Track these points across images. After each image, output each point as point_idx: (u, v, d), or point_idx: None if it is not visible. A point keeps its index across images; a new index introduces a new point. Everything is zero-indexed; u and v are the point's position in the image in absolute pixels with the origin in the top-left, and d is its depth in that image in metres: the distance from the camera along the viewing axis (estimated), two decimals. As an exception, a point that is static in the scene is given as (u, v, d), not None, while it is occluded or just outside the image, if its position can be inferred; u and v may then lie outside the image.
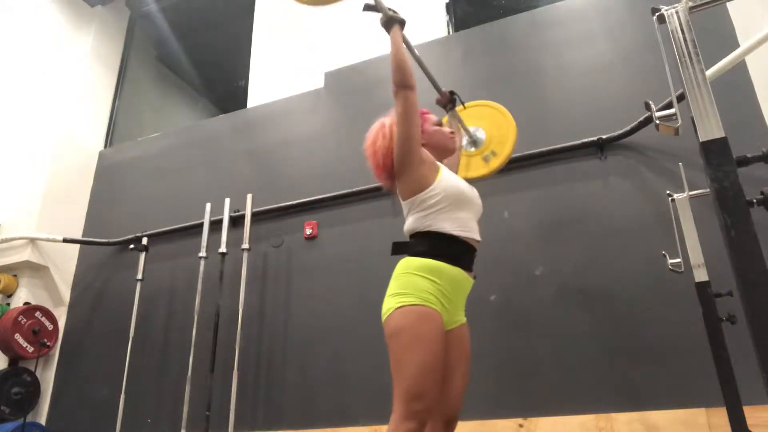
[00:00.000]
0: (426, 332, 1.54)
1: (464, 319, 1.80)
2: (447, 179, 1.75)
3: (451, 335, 1.71)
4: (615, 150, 3.02)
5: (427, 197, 1.70)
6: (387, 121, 1.84)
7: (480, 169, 2.43)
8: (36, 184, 4.47)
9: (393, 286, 1.66)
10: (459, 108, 2.34)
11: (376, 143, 1.81)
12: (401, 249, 1.74)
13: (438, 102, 2.25)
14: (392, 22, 1.77)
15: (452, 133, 1.97)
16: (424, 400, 1.48)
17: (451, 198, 1.72)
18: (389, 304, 1.62)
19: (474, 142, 2.46)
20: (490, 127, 2.45)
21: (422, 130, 1.81)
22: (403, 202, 1.78)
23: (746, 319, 1.15)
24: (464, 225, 1.73)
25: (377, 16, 1.82)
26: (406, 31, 1.85)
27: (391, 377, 1.56)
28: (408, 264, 1.67)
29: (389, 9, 1.79)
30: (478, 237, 1.78)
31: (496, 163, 2.40)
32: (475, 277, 1.78)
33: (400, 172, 1.74)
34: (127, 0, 5.65)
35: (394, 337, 1.57)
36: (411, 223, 1.75)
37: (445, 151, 1.94)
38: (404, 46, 1.79)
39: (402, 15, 1.81)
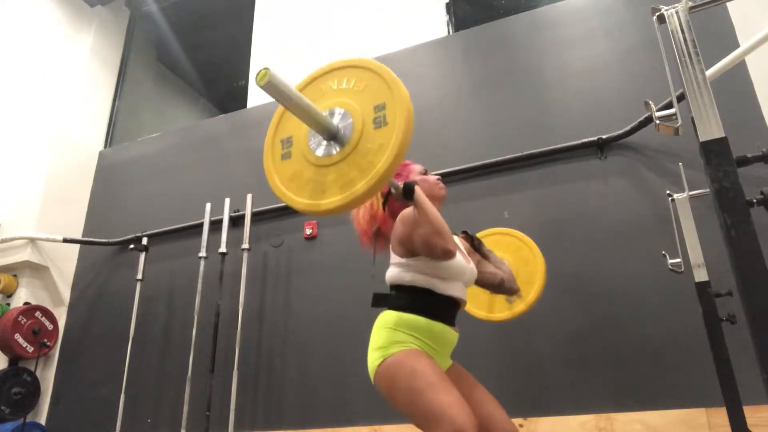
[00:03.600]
0: (419, 363, 1.51)
1: (451, 362, 1.77)
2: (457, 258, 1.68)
3: (450, 372, 1.69)
4: (615, 150, 3.02)
5: (422, 263, 1.65)
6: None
7: (503, 312, 2.23)
8: (36, 184, 4.47)
9: (374, 340, 1.64)
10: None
11: (358, 214, 1.78)
12: (381, 302, 1.70)
13: None
14: (411, 187, 1.59)
15: (438, 178, 1.87)
16: (457, 416, 1.39)
17: (444, 271, 1.67)
18: (373, 361, 1.59)
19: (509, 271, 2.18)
20: (516, 261, 2.22)
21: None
22: (393, 253, 1.73)
23: (746, 319, 1.15)
24: (451, 288, 1.69)
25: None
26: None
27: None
28: (387, 319, 1.64)
29: (400, 183, 1.63)
30: (465, 298, 1.75)
31: (520, 307, 2.20)
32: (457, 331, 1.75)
33: (397, 246, 1.69)
34: (127, 0, 5.65)
35: (390, 390, 1.54)
36: (395, 273, 1.70)
37: (434, 199, 1.79)
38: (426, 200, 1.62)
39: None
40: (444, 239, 1.53)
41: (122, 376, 3.58)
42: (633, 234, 2.82)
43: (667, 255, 2.34)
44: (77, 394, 4.02)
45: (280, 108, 1.49)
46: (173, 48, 5.92)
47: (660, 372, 2.56)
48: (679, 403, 2.48)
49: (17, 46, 4.89)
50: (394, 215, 1.76)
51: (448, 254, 1.55)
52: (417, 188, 1.60)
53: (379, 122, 1.32)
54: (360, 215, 1.78)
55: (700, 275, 2.18)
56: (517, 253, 2.25)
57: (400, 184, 1.60)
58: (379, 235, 1.77)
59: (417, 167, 1.87)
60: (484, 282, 1.96)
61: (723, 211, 1.20)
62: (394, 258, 1.72)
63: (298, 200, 1.38)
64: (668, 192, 2.40)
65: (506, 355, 2.87)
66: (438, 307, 1.66)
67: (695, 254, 2.21)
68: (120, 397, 3.54)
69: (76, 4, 5.22)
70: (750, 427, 1.93)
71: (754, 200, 1.25)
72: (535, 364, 2.80)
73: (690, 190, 2.32)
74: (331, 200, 1.31)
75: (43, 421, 4.01)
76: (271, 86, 1.24)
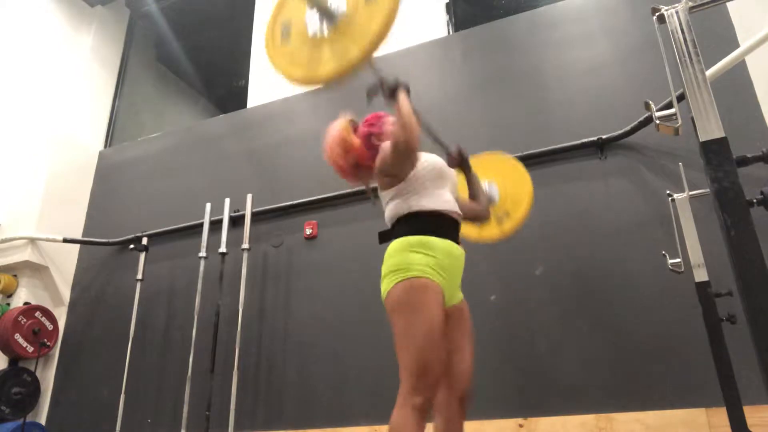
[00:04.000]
0: (426, 304, 1.57)
1: (462, 296, 1.82)
2: (427, 160, 1.81)
3: (454, 311, 1.74)
4: (615, 150, 3.02)
5: (409, 181, 1.76)
6: (333, 128, 1.86)
7: (493, 230, 2.33)
8: (36, 184, 4.47)
9: (387, 266, 1.68)
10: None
11: (333, 152, 1.83)
12: (388, 236, 1.77)
13: (449, 164, 2.04)
14: (399, 87, 1.74)
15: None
16: (429, 373, 1.50)
17: (431, 176, 1.77)
18: (387, 282, 1.64)
19: (488, 199, 2.31)
20: (504, 182, 2.33)
21: (382, 132, 1.83)
22: (383, 192, 1.82)
23: (746, 319, 1.15)
24: (443, 200, 1.77)
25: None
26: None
27: (390, 374, 1.57)
28: (399, 243, 1.69)
29: (391, 80, 1.76)
30: (458, 210, 1.82)
31: (509, 225, 2.31)
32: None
33: (382, 179, 1.79)
34: (127, 0, 5.65)
35: (395, 312, 1.60)
36: (391, 210, 1.78)
37: None
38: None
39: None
40: (408, 133, 1.64)
41: (122, 376, 3.58)
42: (633, 234, 2.82)
43: (667, 255, 2.34)
44: (77, 394, 4.02)
45: None
46: (173, 48, 5.92)
47: (660, 372, 2.56)
48: (679, 403, 2.48)
49: (17, 46, 4.89)
50: (372, 155, 1.84)
51: (407, 146, 1.65)
52: (402, 91, 1.72)
53: None
54: (334, 153, 1.83)
55: (700, 275, 2.18)
56: (505, 173, 2.35)
57: (390, 81, 1.72)
58: (362, 168, 1.85)
59: (391, 118, 1.92)
60: (465, 210, 2.03)
61: (723, 211, 1.20)
62: (385, 197, 1.81)
63: (296, 72, 1.52)
64: (668, 192, 2.40)
65: (506, 354, 2.87)
66: (441, 225, 1.74)
67: (695, 254, 2.21)
68: (120, 397, 3.53)
69: (76, 4, 5.22)
70: (750, 427, 1.93)
71: (754, 200, 1.26)
72: (535, 364, 2.80)
73: (690, 190, 2.32)
74: (328, 69, 1.46)
75: (43, 421, 4.01)
76: None
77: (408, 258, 1.63)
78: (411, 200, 1.74)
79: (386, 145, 1.76)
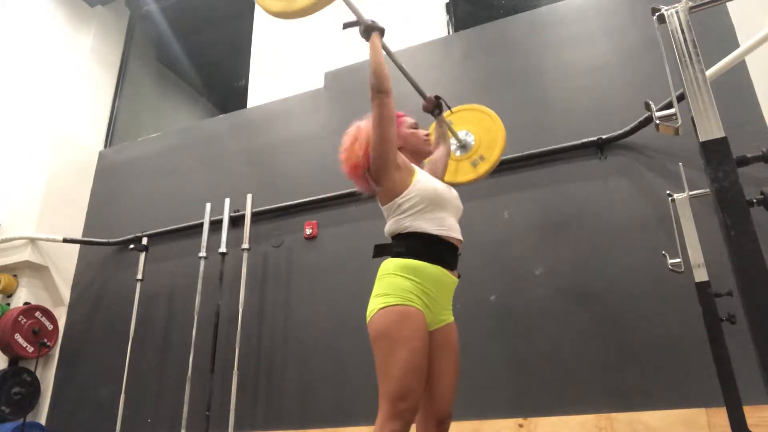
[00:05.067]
0: (408, 332, 1.56)
1: (451, 319, 1.79)
2: (422, 181, 1.76)
3: (437, 334, 1.71)
4: (615, 150, 3.02)
5: (404, 200, 1.72)
6: (363, 124, 1.83)
7: (468, 174, 2.41)
8: (36, 184, 4.47)
9: (376, 288, 1.68)
10: (446, 113, 2.31)
11: (353, 146, 1.79)
12: (382, 251, 1.76)
13: (424, 108, 2.20)
14: (372, 30, 1.81)
15: (427, 135, 1.95)
16: (408, 400, 1.50)
17: (428, 200, 1.73)
18: (372, 305, 1.64)
19: (463, 146, 2.43)
20: (479, 131, 2.43)
21: (398, 133, 1.80)
22: (382, 207, 1.80)
23: (746, 319, 1.15)
24: (443, 224, 1.74)
25: (379, 17, 1.83)
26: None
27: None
28: (389, 265, 1.68)
29: (368, 19, 1.83)
30: (458, 236, 1.79)
31: (484, 168, 2.39)
32: (459, 276, 1.78)
33: (377, 177, 1.74)
34: (127, 0, 5.65)
35: (377, 338, 1.60)
36: (391, 225, 1.76)
37: (420, 154, 1.94)
38: (383, 52, 1.83)
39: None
40: (378, 78, 1.71)
41: (122, 376, 3.58)
42: (633, 234, 2.82)
43: (667, 255, 2.34)
44: (77, 394, 4.02)
45: None
46: (173, 48, 5.92)
47: (660, 372, 2.56)
48: (679, 403, 2.48)
49: (17, 46, 4.90)
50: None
51: (380, 90, 1.70)
52: (376, 34, 1.81)
53: None
54: (353, 149, 1.81)
55: (700, 275, 2.18)
56: (480, 123, 2.44)
57: (364, 22, 1.81)
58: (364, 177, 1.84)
59: (408, 120, 1.95)
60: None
61: (723, 211, 1.20)
62: (386, 211, 1.79)
63: (275, 5, 1.60)
64: (668, 192, 2.40)
65: (506, 354, 2.87)
66: (437, 250, 1.71)
67: (695, 254, 2.22)
68: (120, 397, 3.53)
69: (76, 4, 5.22)
70: (750, 427, 1.93)
71: (754, 200, 1.26)
72: (535, 364, 2.80)
73: (690, 190, 2.32)
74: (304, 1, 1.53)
75: (43, 421, 4.01)
76: None
77: (393, 283, 1.63)
78: (408, 220, 1.71)
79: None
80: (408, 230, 1.71)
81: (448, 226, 1.75)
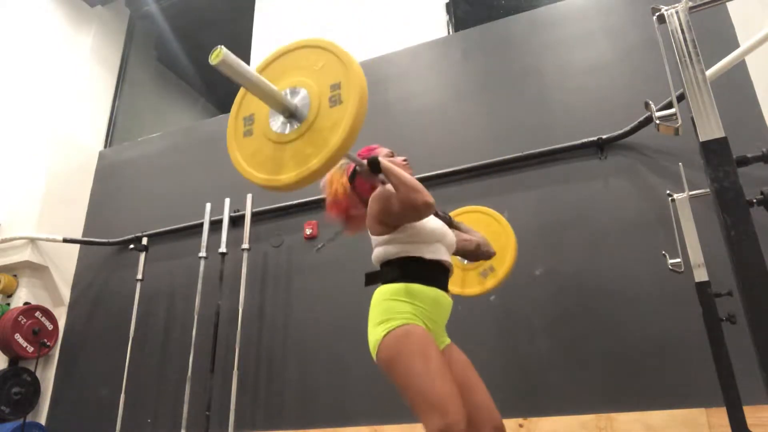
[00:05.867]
0: (419, 344, 1.52)
1: (449, 341, 1.78)
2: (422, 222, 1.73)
3: (445, 353, 1.70)
4: (615, 150, 3.02)
5: (401, 234, 1.69)
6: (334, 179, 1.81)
7: (475, 287, 2.32)
8: (36, 184, 4.47)
9: (373, 315, 1.64)
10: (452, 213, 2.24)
11: (336, 197, 1.78)
12: (374, 278, 1.73)
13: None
14: (373, 161, 1.64)
15: (405, 160, 1.86)
16: (449, 410, 1.40)
17: (424, 232, 1.71)
18: (375, 335, 1.59)
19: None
20: (487, 237, 2.25)
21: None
22: (374, 236, 1.76)
23: (746, 319, 1.15)
24: (436, 252, 1.72)
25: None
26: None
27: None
28: (384, 291, 1.66)
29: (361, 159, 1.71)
30: (450, 260, 1.78)
31: (491, 282, 2.28)
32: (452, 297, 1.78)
33: (376, 226, 1.72)
34: (127, 0, 5.65)
35: (391, 364, 1.53)
36: (380, 252, 1.73)
37: None
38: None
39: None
40: (422, 193, 1.58)
41: (122, 376, 3.58)
42: (633, 234, 2.82)
43: (667, 255, 2.34)
44: (77, 394, 4.02)
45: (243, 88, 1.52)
46: (173, 48, 5.92)
47: (660, 372, 2.56)
48: (679, 403, 2.48)
49: (17, 47, 4.90)
50: (364, 199, 1.80)
51: (429, 206, 1.58)
52: (380, 159, 1.64)
53: (335, 101, 1.36)
54: (328, 203, 1.81)
55: (700, 275, 2.18)
56: (487, 228, 2.27)
57: (365, 162, 1.64)
58: (349, 219, 1.82)
59: (383, 150, 1.88)
60: (462, 249, 2.01)
61: (723, 211, 1.20)
62: (375, 240, 1.76)
63: (258, 176, 1.41)
64: (668, 192, 2.40)
65: (506, 354, 2.87)
66: (429, 272, 1.69)
67: (695, 254, 2.21)
68: (120, 397, 3.53)
69: (76, 4, 5.22)
70: (750, 427, 1.93)
71: (754, 200, 1.26)
72: (535, 364, 2.80)
73: (690, 190, 2.32)
74: (288, 176, 1.36)
75: (43, 421, 4.01)
76: (224, 65, 1.28)
77: (392, 307, 1.59)
78: (402, 246, 1.68)
79: (386, 194, 1.67)
80: (399, 255, 1.68)
81: (440, 252, 1.74)
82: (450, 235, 1.83)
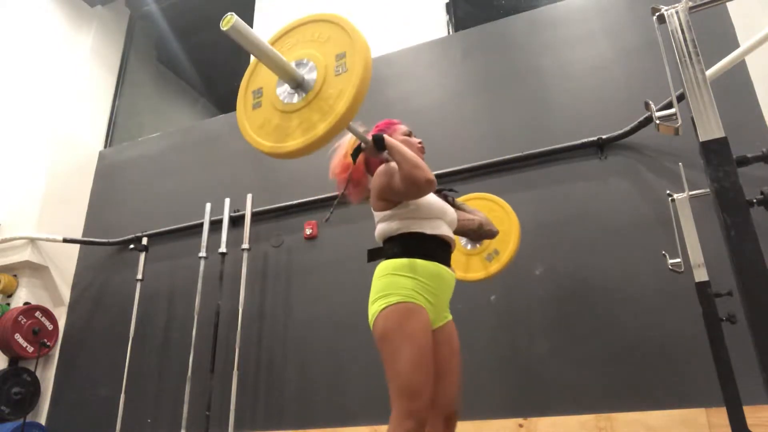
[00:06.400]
0: (412, 329, 1.56)
1: (450, 316, 1.80)
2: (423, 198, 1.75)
3: (440, 333, 1.72)
4: (615, 150, 3.02)
5: (403, 210, 1.72)
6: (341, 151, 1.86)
7: (479, 271, 2.35)
8: (36, 184, 4.47)
9: (374, 290, 1.67)
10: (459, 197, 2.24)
11: (344, 172, 1.83)
12: (376, 254, 1.76)
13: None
14: (378, 139, 1.66)
15: (420, 143, 1.90)
16: (419, 398, 1.50)
17: (426, 208, 1.73)
18: (374, 308, 1.63)
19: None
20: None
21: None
22: (376, 212, 1.79)
23: (746, 319, 1.15)
24: (437, 227, 1.74)
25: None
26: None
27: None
28: (386, 266, 1.68)
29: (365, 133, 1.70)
30: (451, 235, 1.80)
31: (495, 267, 2.32)
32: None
33: (378, 201, 1.75)
34: (127, 0, 5.65)
35: (383, 339, 1.58)
36: (383, 228, 1.76)
37: None
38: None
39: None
40: (424, 170, 1.61)
41: (122, 376, 3.58)
42: (633, 234, 2.82)
43: (667, 255, 2.34)
44: (77, 394, 4.02)
45: (254, 61, 1.60)
46: (173, 48, 5.92)
47: (660, 372, 2.56)
48: (679, 403, 2.48)
49: (17, 46, 4.89)
50: (371, 171, 1.84)
51: (431, 183, 1.61)
52: (385, 136, 1.67)
53: (340, 69, 1.42)
54: (335, 166, 1.87)
55: (700, 275, 2.18)
56: (491, 213, 2.30)
57: (370, 139, 1.67)
58: (352, 183, 1.84)
59: (402, 127, 1.91)
60: (464, 228, 2.03)
61: (723, 211, 1.20)
62: (378, 216, 1.78)
63: (264, 143, 1.48)
64: (668, 192, 2.40)
65: (506, 354, 2.87)
66: (430, 247, 1.71)
67: (695, 254, 2.22)
68: (120, 397, 3.53)
69: (76, 4, 5.22)
70: (750, 427, 1.93)
71: (754, 200, 1.26)
72: (535, 363, 2.80)
73: (690, 190, 2.32)
74: (294, 142, 1.42)
75: (43, 421, 4.01)
76: (234, 30, 1.34)
77: (393, 282, 1.62)
78: (403, 222, 1.71)
79: (390, 170, 1.69)
80: (400, 231, 1.71)
81: (442, 228, 1.76)
82: (451, 211, 1.85)
